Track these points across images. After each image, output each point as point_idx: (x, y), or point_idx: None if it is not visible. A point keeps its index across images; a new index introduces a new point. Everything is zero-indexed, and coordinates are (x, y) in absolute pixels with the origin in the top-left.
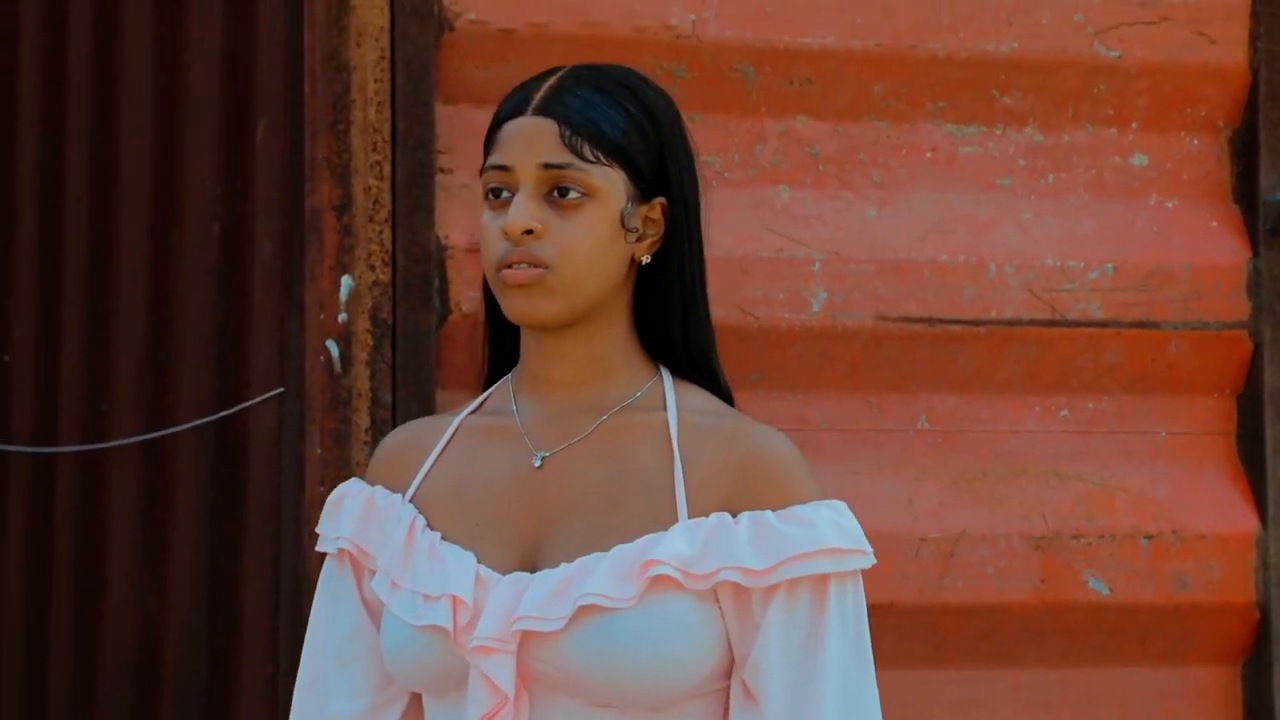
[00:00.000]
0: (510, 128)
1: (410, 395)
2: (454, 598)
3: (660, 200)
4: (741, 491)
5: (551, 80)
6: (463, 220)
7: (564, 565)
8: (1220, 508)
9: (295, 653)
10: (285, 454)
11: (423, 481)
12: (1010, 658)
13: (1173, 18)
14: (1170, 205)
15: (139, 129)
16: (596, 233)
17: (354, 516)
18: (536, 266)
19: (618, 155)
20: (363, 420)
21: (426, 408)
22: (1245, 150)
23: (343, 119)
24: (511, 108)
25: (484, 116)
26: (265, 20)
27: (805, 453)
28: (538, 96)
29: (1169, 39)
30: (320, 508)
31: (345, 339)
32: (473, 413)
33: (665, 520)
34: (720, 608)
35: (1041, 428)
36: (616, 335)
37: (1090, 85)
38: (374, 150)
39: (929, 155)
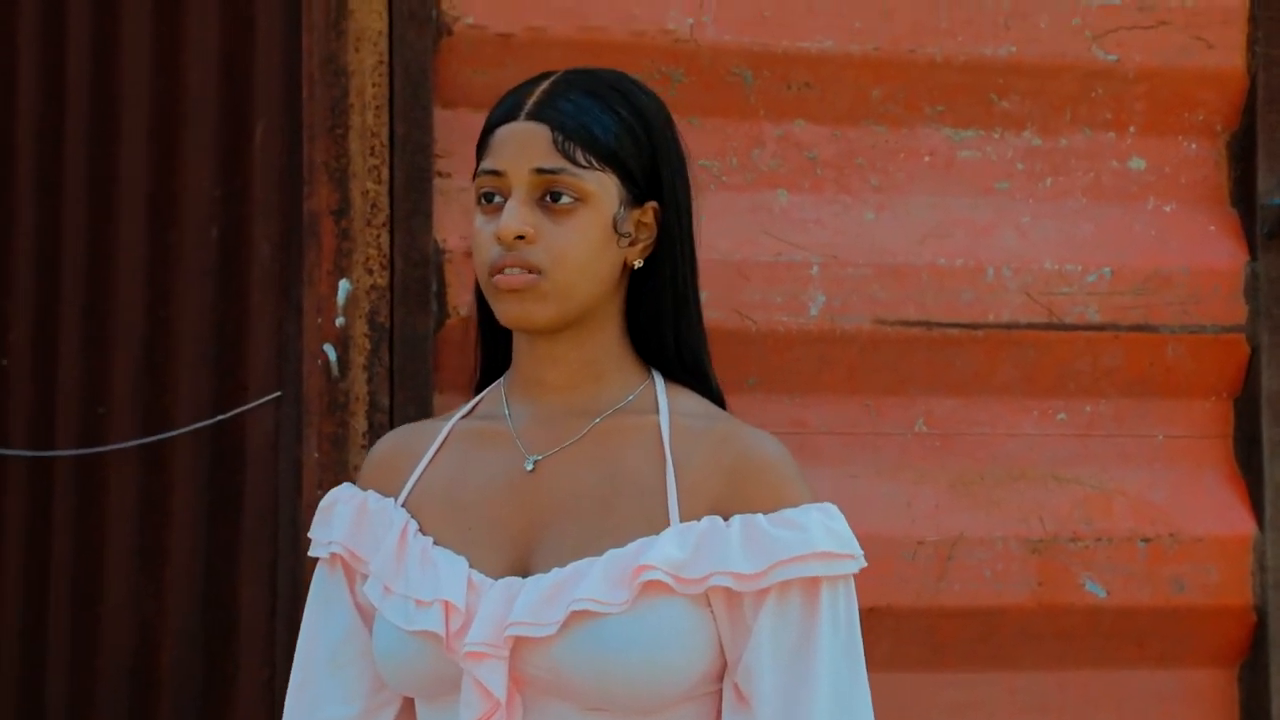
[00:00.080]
0: (503, 133)
1: (408, 399)
2: (446, 603)
3: (652, 204)
4: (733, 494)
5: (544, 85)
6: (461, 224)
7: (556, 570)
8: (1217, 511)
9: (292, 656)
10: (283, 458)
11: (415, 486)
12: (1008, 660)
13: (1171, 22)
14: (1168, 209)
15: (137, 132)
16: (589, 237)
17: (346, 521)
18: (529, 271)
19: (610, 160)
20: (360, 424)
21: (424, 411)
22: (1243, 154)
23: (341, 123)
24: (504, 113)
25: (482, 121)
26: (263, 24)
27: (803, 456)
28: (530, 101)
29: (1167, 43)
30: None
31: (343, 343)
32: (464, 417)
33: (657, 524)
34: (712, 611)
35: (1039, 431)
36: (609, 339)
37: (1088, 89)
38: (372, 154)
39: (927, 159)
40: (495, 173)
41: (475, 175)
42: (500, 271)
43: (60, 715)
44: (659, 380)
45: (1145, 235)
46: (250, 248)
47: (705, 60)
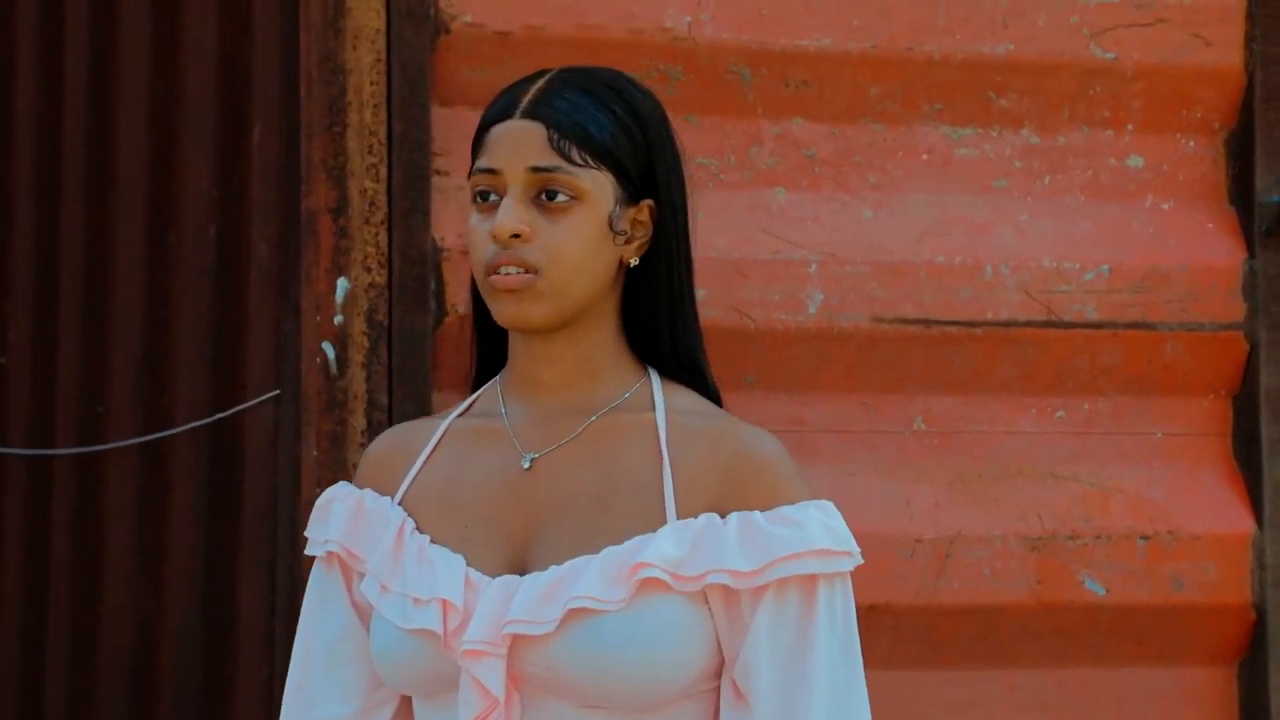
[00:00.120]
0: (498, 131)
1: (406, 397)
2: (444, 601)
3: (648, 202)
4: (730, 492)
5: (539, 83)
6: (459, 222)
7: (553, 567)
8: (1216, 509)
9: (291, 655)
10: (281, 456)
11: (411, 484)
12: (1006, 658)
13: (1168, 20)
14: (1166, 207)
15: (135, 131)
16: (585, 236)
17: (343, 520)
18: (525, 271)
19: (605, 158)
20: (359, 422)
21: (423, 409)
22: (1241, 152)
23: (339, 121)
24: (499, 111)
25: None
26: (261, 23)
27: (801, 454)
28: (525, 100)
29: (1165, 41)
30: None
31: (341, 341)
32: (461, 415)
33: (654, 521)
34: (709, 609)
35: (1037, 429)
36: (605, 337)
37: (1086, 87)
38: (370, 153)
39: (925, 157)
40: (491, 171)
41: (470, 173)
42: (496, 270)
43: (60, 714)
44: (655, 378)
45: (1143, 233)
46: (249, 246)
47: (703, 58)
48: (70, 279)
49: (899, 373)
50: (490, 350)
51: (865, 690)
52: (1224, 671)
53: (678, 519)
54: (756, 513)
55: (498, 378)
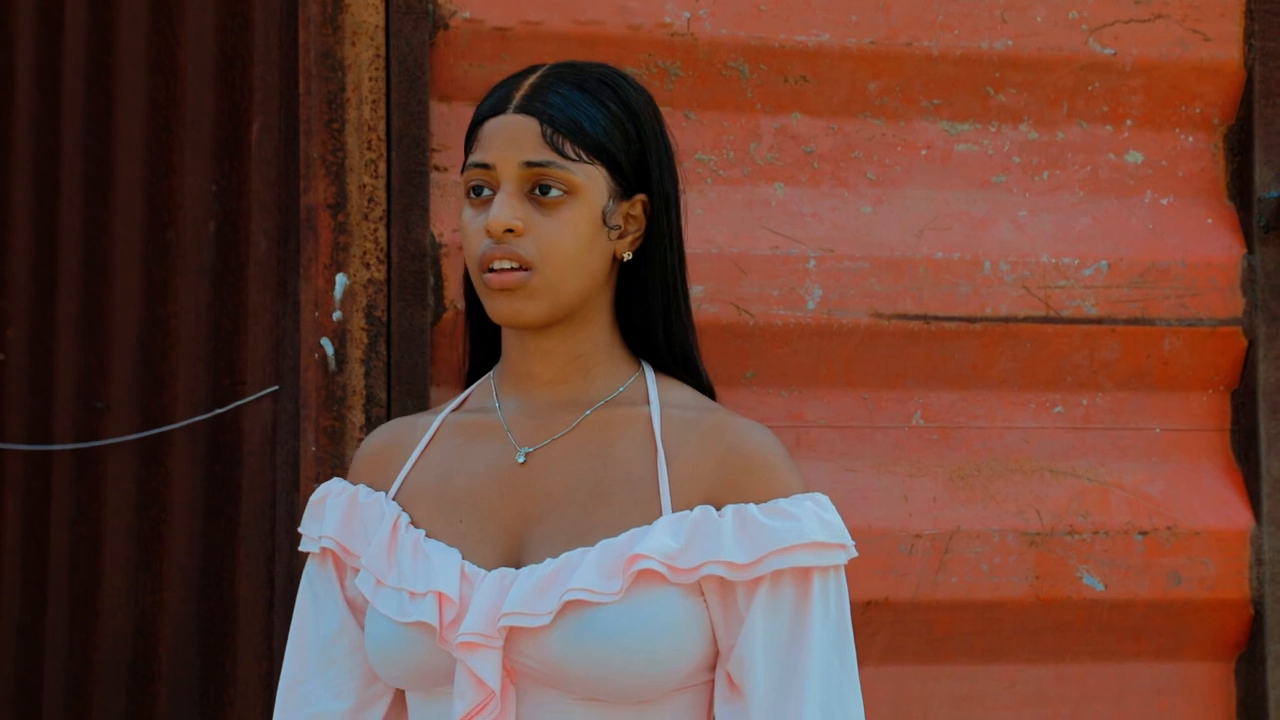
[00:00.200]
0: (491, 126)
1: (405, 393)
2: (440, 594)
3: (641, 197)
4: (725, 484)
5: (532, 78)
6: (458, 218)
7: (549, 560)
8: (1214, 504)
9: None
10: (280, 451)
11: (406, 479)
12: (1005, 653)
13: (1167, 15)
14: (1165, 202)
15: (134, 127)
16: (578, 230)
17: (337, 516)
18: (520, 267)
19: (599, 153)
20: (357, 418)
21: (421, 405)
22: (1240, 147)
23: (338, 117)
24: (492, 106)
25: None
26: (260, 18)
27: (800, 449)
28: (519, 95)
29: (1164, 36)
30: None
31: (340, 337)
32: (455, 410)
33: (649, 514)
34: (705, 600)
35: (1036, 424)
36: (599, 332)
37: (1085, 82)
38: (369, 148)
39: (924, 152)
40: (484, 166)
41: (464, 168)
42: (490, 265)
43: (58, 708)
44: (649, 372)
45: (1142, 228)
46: (247, 242)
47: (702, 54)
48: (69, 274)
49: (898, 368)
50: (484, 345)
51: (858, 682)
52: (1222, 667)
53: (673, 511)
54: (751, 505)
55: (491, 373)
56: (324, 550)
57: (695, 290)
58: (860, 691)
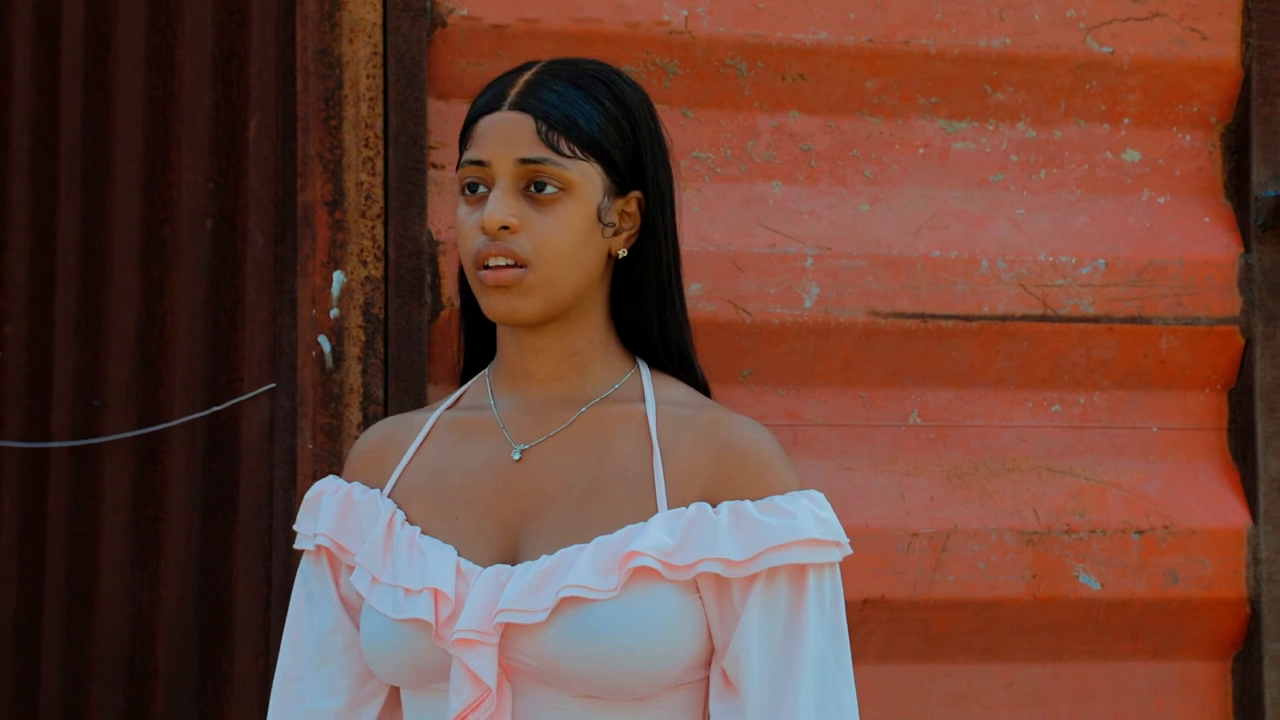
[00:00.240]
0: (486, 123)
1: (402, 390)
2: (435, 591)
3: (636, 194)
4: (720, 481)
5: (527, 75)
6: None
7: (545, 557)
8: (1211, 503)
9: None
10: (277, 449)
11: (401, 477)
12: (1002, 652)
13: (1165, 13)
14: (1162, 201)
15: (131, 124)
16: (573, 227)
17: (332, 513)
18: (515, 264)
19: (594, 149)
20: (354, 415)
21: (419, 403)
22: (1237, 146)
23: (335, 114)
24: (487, 102)
25: None
26: (258, 16)
27: (797, 448)
28: (513, 91)
29: (1161, 35)
30: None
31: (337, 334)
32: (450, 407)
33: (645, 511)
34: (701, 597)
35: (1033, 423)
36: (594, 329)
37: (1082, 81)
38: (366, 146)
39: (921, 151)
40: (479, 163)
41: (458, 165)
42: (485, 262)
43: (55, 705)
44: (645, 369)
45: (1139, 227)
46: (244, 240)
47: (699, 52)
48: (66, 272)
49: (895, 367)
50: (479, 342)
51: (853, 679)
52: (1219, 666)
53: (668, 508)
54: (747, 502)
55: (486, 370)
56: (319, 548)
57: (692, 288)
58: (855, 690)
